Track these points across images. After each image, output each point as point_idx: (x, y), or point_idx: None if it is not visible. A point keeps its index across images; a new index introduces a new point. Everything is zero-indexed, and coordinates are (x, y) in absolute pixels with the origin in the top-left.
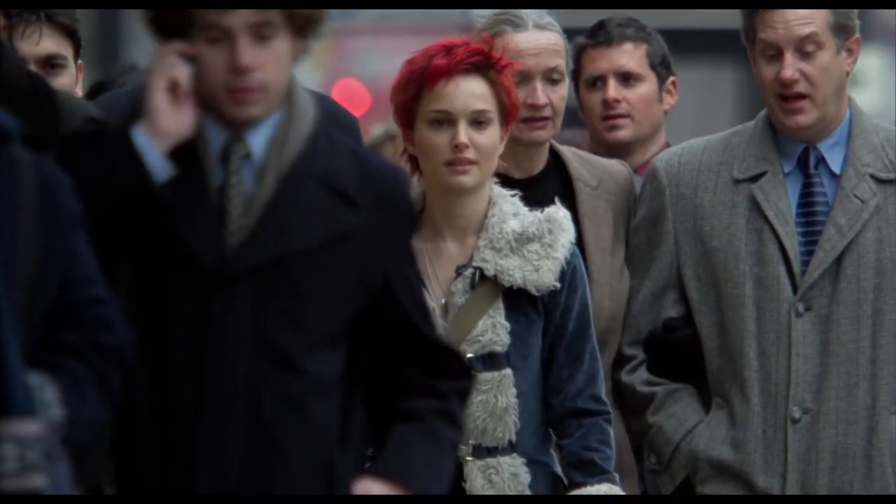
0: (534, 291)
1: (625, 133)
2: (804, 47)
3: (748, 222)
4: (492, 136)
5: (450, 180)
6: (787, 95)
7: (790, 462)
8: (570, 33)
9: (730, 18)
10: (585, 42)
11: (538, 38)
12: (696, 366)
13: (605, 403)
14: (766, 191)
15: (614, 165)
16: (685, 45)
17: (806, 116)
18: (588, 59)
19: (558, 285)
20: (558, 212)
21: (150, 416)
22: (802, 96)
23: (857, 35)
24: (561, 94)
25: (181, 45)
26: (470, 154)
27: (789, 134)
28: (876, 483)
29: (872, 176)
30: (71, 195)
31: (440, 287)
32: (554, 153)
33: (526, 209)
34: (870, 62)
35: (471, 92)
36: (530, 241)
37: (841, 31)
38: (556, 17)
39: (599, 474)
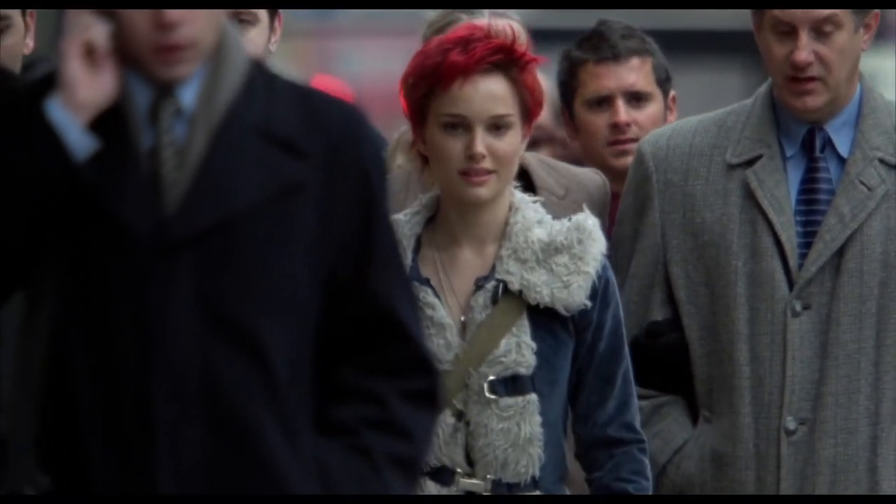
0: (563, 311)
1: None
2: (822, 28)
3: (741, 212)
4: (512, 142)
5: (464, 192)
6: (799, 78)
7: (783, 479)
8: (567, 35)
9: (738, 19)
10: (584, 56)
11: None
12: (683, 374)
13: (639, 432)
14: (761, 177)
15: (586, 174)
16: (690, 46)
17: (816, 99)
18: (589, 76)
19: (589, 304)
20: (587, 220)
21: (97, 413)
22: (814, 78)
23: (877, 10)
24: None
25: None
26: (487, 164)
27: (796, 115)
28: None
29: (882, 161)
30: None
31: (457, 301)
32: None
33: (549, 217)
34: (888, 64)
35: (490, 94)
36: (558, 252)
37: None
38: (551, 17)
39: None
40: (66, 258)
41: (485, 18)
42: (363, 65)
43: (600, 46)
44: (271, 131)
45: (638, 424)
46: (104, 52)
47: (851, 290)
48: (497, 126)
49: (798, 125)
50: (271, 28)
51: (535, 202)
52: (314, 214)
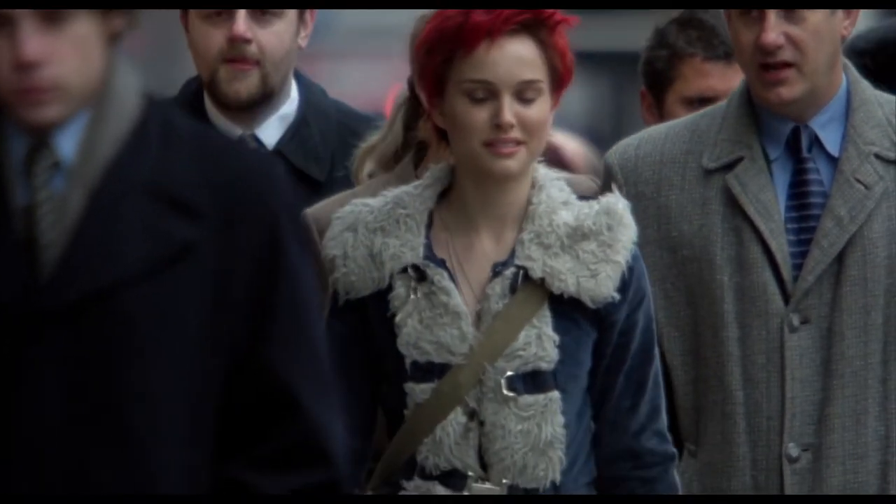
0: (589, 303)
1: None
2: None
3: (724, 221)
4: (542, 110)
5: (491, 164)
6: (769, 64)
7: None
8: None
9: None
10: (691, 49)
11: None
12: (667, 405)
13: (669, 440)
14: (743, 181)
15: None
16: None
17: (790, 89)
18: (694, 72)
19: (617, 297)
20: (618, 203)
21: None
22: (787, 65)
23: None
24: None
25: None
26: (516, 133)
27: (773, 110)
28: None
29: (878, 156)
30: None
31: (472, 291)
32: None
33: (575, 197)
34: None
35: (518, 57)
36: (586, 237)
37: None
38: None
39: None
40: None
41: None
42: (350, 85)
43: (712, 43)
44: (160, 188)
45: (667, 431)
46: None
47: (855, 300)
48: (525, 93)
49: (781, 123)
50: (300, 21)
51: (558, 178)
52: (210, 282)
